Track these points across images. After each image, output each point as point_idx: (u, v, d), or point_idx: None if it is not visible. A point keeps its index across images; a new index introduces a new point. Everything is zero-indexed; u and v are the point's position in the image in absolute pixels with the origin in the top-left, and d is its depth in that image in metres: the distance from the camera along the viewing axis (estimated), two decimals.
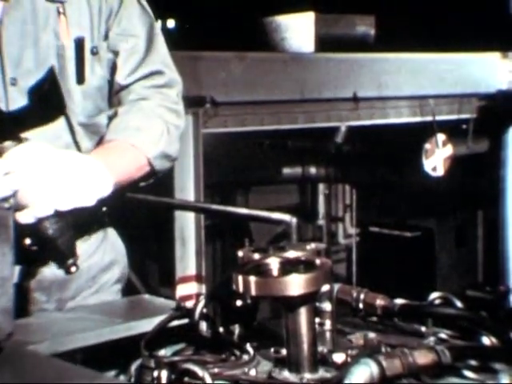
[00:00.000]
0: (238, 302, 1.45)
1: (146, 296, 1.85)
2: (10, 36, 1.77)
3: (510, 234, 8.38)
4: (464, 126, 8.25)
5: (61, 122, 1.84)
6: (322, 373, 1.32)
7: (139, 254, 6.67)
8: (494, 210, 8.49)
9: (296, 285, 1.27)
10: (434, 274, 9.43)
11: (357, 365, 1.22)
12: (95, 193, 1.65)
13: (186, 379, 1.27)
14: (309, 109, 7.21)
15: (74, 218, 1.64)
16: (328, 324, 1.49)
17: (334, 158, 8.24)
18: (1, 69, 1.77)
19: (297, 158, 8.30)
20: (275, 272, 1.35)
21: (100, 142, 1.89)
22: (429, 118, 7.84)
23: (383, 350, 1.40)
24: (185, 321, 1.52)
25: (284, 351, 1.36)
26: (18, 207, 1.56)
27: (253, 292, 1.29)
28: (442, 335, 1.50)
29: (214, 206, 2.37)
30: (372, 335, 1.49)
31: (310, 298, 1.31)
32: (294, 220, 1.95)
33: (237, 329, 1.50)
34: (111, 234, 2.02)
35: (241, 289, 1.30)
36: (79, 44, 1.84)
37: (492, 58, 8.47)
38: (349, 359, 1.36)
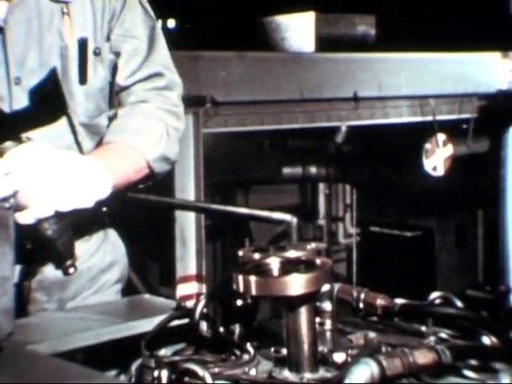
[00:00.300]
0: (239, 302, 1.45)
1: (147, 296, 1.85)
2: (15, 35, 1.78)
3: (511, 234, 8.38)
4: (464, 126, 8.25)
5: (63, 122, 1.84)
6: (322, 372, 1.32)
7: (139, 254, 6.67)
8: (495, 210, 8.49)
9: (296, 284, 1.27)
10: (435, 273, 9.43)
11: (357, 364, 1.22)
12: (94, 194, 1.66)
13: (187, 379, 1.27)
14: (309, 108, 7.21)
15: (72, 219, 1.64)
16: (328, 324, 1.49)
17: (335, 158, 8.25)
18: (5, 68, 1.77)
19: (297, 158, 8.30)
20: (275, 272, 1.35)
21: (100, 142, 1.89)
22: (429, 118, 7.84)
23: (383, 349, 1.40)
24: (185, 320, 1.52)
25: (284, 351, 1.36)
26: (18, 207, 1.56)
27: (253, 292, 1.29)
28: (443, 335, 1.50)
29: (215, 206, 2.37)
30: (372, 335, 1.49)
31: (310, 298, 1.31)
32: (295, 220, 1.95)
33: (237, 328, 1.50)
34: (112, 234, 2.02)
35: (241, 288, 1.30)
36: (82, 44, 1.84)
37: (492, 57, 8.47)
38: (349, 359, 1.36)
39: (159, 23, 1.99)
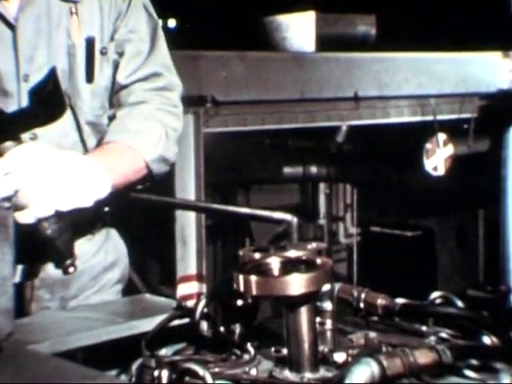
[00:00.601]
0: (239, 302, 1.45)
1: (147, 295, 1.85)
2: (25, 33, 1.80)
3: (511, 234, 8.37)
4: (465, 126, 8.25)
5: (69, 120, 1.86)
6: (322, 372, 1.32)
7: (140, 254, 6.68)
8: (495, 210, 8.48)
9: (297, 284, 1.27)
10: (435, 273, 9.43)
11: (357, 364, 1.22)
12: (93, 194, 1.67)
13: (187, 379, 1.27)
14: (309, 108, 7.21)
15: (72, 218, 1.64)
16: (329, 323, 1.49)
17: (335, 158, 8.24)
18: (16, 64, 1.80)
19: (298, 158, 8.30)
20: (276, 271, 1.35)
21: (100, 142, 1.90)
22: (430, 118, 7.83)
23: (384, 349, 1.40)
24: (186, 320, 1.52)
25: (285, 350, 1.36)
26: (18, 207, 1.56)
27: (254, 291, 1.29)
28: (443, 335, 1.50)
29: (215, 206, 2.37)
30: (373, 335, 1.49)
31: (310, 298, 1.31)
32: (295, 219, 1.94)
33: (237, 328, 1.50)
34: (113, 234, 2.04)
35: (242, 288, 1.30)
36: (90, 44, 1.87)
37: (493, 57, 8.46)
38: (350, 359, 1.37)
39: (160, 23, 2.01)
